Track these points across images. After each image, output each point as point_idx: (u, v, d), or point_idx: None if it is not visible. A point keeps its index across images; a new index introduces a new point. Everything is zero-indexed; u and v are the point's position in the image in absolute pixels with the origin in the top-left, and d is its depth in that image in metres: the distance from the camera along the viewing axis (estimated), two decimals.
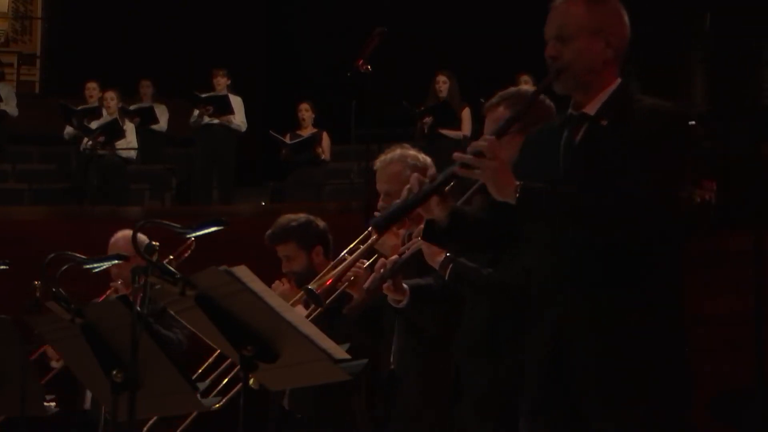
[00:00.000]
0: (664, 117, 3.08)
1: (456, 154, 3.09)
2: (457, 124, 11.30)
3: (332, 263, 4.33)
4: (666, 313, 3.08)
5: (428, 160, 4.43)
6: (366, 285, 3.88)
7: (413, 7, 13.97)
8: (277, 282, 4.95)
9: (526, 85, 10.34)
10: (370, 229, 4.14)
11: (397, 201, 3.25)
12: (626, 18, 3.24)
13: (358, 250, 4.16)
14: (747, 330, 7.63)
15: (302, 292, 4.81)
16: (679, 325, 3.11)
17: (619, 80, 3.21)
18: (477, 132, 11.11)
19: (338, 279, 4.09)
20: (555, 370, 3.14)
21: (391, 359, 4.44)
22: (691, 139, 3.15)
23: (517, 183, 3.03)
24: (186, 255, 5.18)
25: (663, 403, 3.04)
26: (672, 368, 3.06)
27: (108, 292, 5.40)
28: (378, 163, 4.43)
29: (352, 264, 4.10)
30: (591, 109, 3.18)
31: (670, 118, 3.09)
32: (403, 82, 12.00)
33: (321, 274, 4.28)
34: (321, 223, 5.13)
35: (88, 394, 5.55)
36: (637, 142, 3.02)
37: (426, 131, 11.21)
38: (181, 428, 4.95)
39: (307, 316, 4.43)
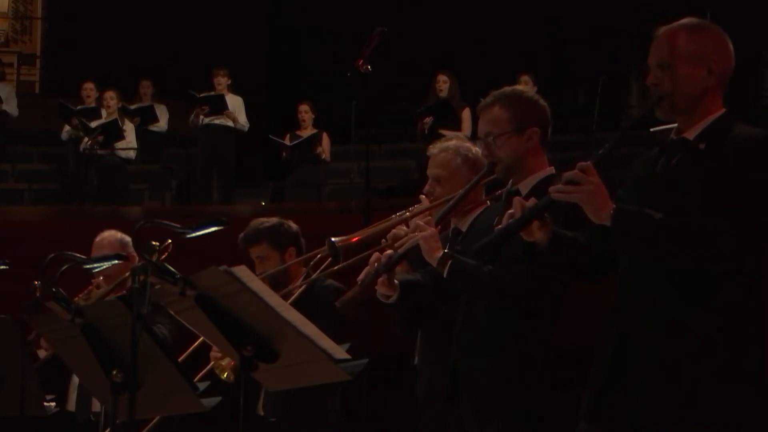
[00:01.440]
0: (758, 145, 3.09)
1: (551, 188, 3.14)
2: (457, 124, 11.29)
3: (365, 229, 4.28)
4: (736, 335, 3.06)
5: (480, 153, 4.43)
6: (360, 278, 3.85)
7: (413, 7, 13.98)
8: None
9: (525, 86, 10.35)
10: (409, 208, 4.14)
11: (500, 227, 3.27)
12: (730, 46, 3.26)
13: (391, 220, 4.13)
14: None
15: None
16: (750, 348, 3.08)
17: (723, 110, 3.22)
18: (477, 132, 11.10)
19: (365, 240, 4.05)
20: (615, 379, 3.15)
21: (415, 355, 4.44)
22: None
23: (614, 206, 3.06)
24: (164, 256, 5.16)
25: (718, 424, 3.03)
26: (735, 391, 3.04)
27: (89, 288, 5.38)
28: (432, 149, 4.43)
29: (381, 231, 4.05)
30: (691, 135, 3.20)
31: (764, 146, 3.09)
32: (403, 82, 12.00)
33: (357, 231, 4.22)
34: (293, 226, 5.19)
35: (72, 396, 5.53)
36: (729, 169, 3.04)
37: (426, 131, 11.20)
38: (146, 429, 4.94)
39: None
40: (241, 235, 5.14)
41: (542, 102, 3.93)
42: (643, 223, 3.05)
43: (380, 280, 3.85)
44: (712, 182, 3.05)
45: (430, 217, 3.88)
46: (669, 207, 3.07)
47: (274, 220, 5.21)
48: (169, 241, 5.13)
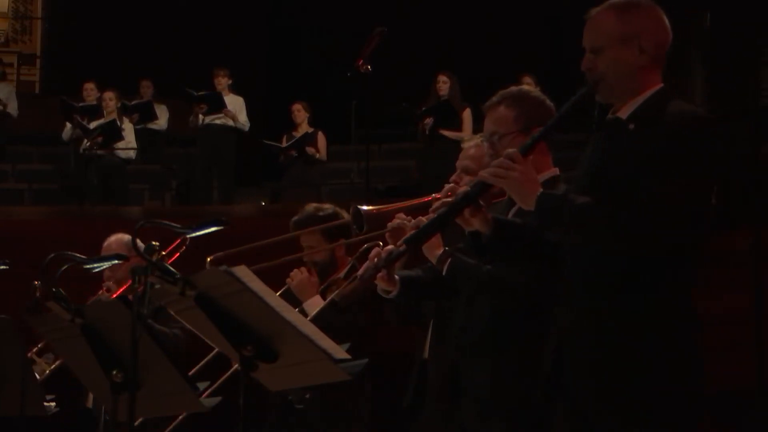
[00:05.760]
0: (687, 123, 3.07)
1: (481, 172, 3.16)
2: (457, 125, 11.29)
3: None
4: (673, 321, 3.07)
5: None
6: (360, 273, 3.83)
7: (413, 7, 13.97)
8: (296, 270, 4.90)
9: (528, 86, 10.33)
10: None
11: (429, 216, 3.29)
12: (664, 21, 3.23)
13: (416, 202, 4.11)
14: (747, 330, 7.63)
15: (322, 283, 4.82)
16: (686, 333, 3.09)
17: (660, 86, 3.20)
18: (483, 131, 11.08)
19: (390, 213, 4.00)
20: (558, 375, 3.16)
21: (426, 348, 4.42)
22: (716, 143, 3.10)
23: (539, 192, 3.07)
24: (177, 254, 5.17)
25: (662, 414, 3.04)
26: (674, 379, 3.05)
27: (100, 292, 5.40)
28: (467, 142, 4.41)
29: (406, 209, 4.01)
30: (624, 113, 3.19)
31: (693, 125, 3.07)
32: (403, 82, 12.00)
33: (382, 205, 4.16)
34: (346, 216, 5.11)
35: (91, 393, 5.55)
36: (658, 149, 3.02)
37: (427, 132, 11.20)
38: (170, 428, 4.93)
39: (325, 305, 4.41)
40: (294, 218, 5.07)
41: (549, 102, 3.92)
42: (564, 208, 3.06)
43: (380, 275, 3.84)
44: (640, 163, 3.03)
45: (432, 214, 3.86)
46: (601, 189, 3.07)
47: (329, 209, 5.11)
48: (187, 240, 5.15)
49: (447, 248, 3.74)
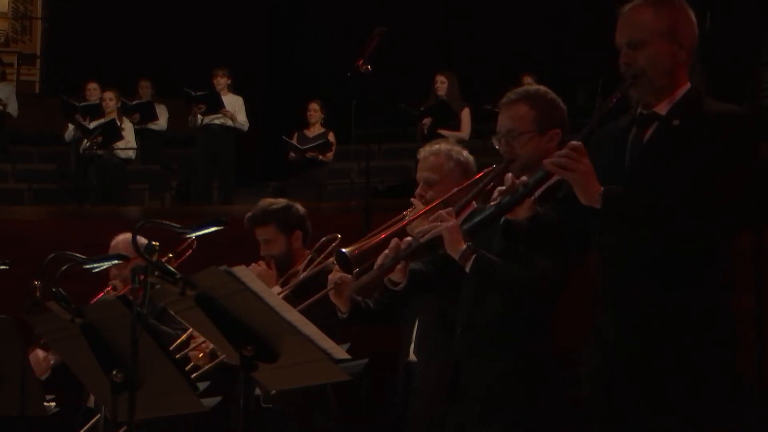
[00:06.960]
0: (733, 122, 3.10)
1: (546, 161, 3.13)
2: (456, 125, 11.29)
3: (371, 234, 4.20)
4: (721, 316, 3.10)
5: (471, 157, 4.38)
6: (379, 263, 3.74)
7: (413, 7, 13.97)
8: (254, 264, 4.94)
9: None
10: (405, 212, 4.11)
11: (491, 205, 3.27)
12: (693, 16, 3.24)
13: (391, 225, 4.05)
14: (747, 330, 7.63)
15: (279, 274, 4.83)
16: (732, 327, 3.12)
17: (689, 84, 3.22)
18: (479, 133, 11.10)
19: (378, 247, 3.98)
20: (612, 371, 3.16)
21: (411, 350, 4.41)
22: (756, 140, 3.17)
23: (602, 188, 3.05)
24: (187, 254, 5.18)
25: (714, 408, 3.07)
26: (725, 372, 3.08)
27: (106, 290, 5.40)
28: (422, 152, 4.37)
29: (384, 240, 3.97)
30: (662, 109, 3.20)
31: (739, 123, 3.11)
32: (403, 82, 12.00)
33: (362, 240, 4.12)
34: (301, 209, 5.19)
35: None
36: (708, 146, 3.05)
37: (425, 132, 11.20)
38: None
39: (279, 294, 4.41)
40: (249, 214, 5.10)
41: (563, 104, 3.92)
42: (632, 205, 3.06)
43: (398, 266, 3.78)
44: (693, 160, 3.05)
45: (452, 209, 3.80)
46: (648, 184, 3.08)
47: (282, 202, 5.21)
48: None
49: (470, 244, 3.64)
